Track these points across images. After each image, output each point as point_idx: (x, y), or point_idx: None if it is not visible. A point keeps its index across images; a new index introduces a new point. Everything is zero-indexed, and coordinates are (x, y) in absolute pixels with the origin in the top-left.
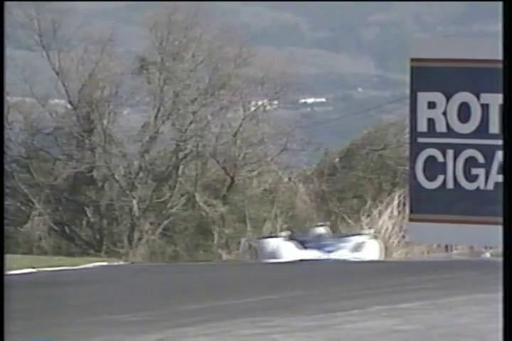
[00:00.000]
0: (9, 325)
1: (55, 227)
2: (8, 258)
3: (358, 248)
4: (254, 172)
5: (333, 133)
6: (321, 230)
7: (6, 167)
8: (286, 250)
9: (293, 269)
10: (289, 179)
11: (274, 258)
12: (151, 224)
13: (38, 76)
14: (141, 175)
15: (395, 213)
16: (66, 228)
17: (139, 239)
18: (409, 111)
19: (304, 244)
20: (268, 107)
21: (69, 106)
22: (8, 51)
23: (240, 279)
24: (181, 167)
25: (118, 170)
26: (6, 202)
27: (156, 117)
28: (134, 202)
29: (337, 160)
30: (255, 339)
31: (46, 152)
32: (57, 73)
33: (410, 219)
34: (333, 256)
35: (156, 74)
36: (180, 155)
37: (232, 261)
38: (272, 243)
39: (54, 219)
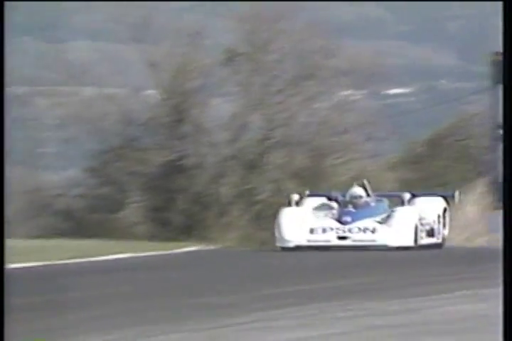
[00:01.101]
0: (108, 308)
1: (149, 214)
2: (104, 243)
3: (386, 219)
4: (340, 161)
5: (417, 123)
6: (358, 191)
7: (103, 156)
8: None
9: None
10: (374, 167)
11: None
12: (240, 210)
13: (131, 68)
14: (230, 163)
15: (479, 202)
16: (159, 214)
17: (229, 224)
18: (491, 102)
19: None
20: (354, 97)
21: (160, 97)
22: (102, 45)
23: (325, 264)
24: (269, 155)
25: (208, 159)
26: (102, 190)
27: (244, 107)
28: (223, 189)
29: (421, 149)
30: (345, 321)
31: (140, 142)
32: (149, 65)
33: (494, 208)
34: (348, 229)
35: (244, 65)
36: (268, 143)
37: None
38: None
39: (147, 206)
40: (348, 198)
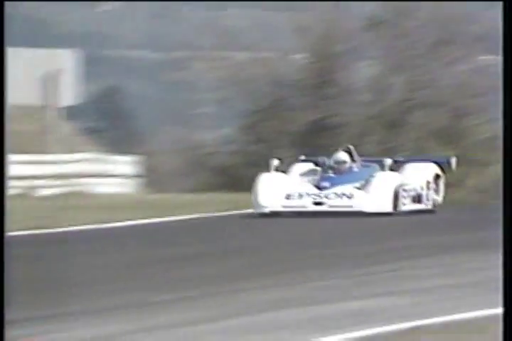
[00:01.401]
0: (264, 255)
1: None
2: (248, 197)
3: (365, 185)
4: (477, 121)
5: None
6: (342, 156)
7: (254, 116)
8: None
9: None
10: None
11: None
12: None
13: (280, 34)
14: (372, 122)
15: None
16: None
17: None
18: None
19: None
20: (492, 62)
21: (307, 60)
22: (254, 12)
23: (455, 219)
24: (410, 115)
25: (352, 118)
26: (254, 147)
27: (386, 70)
28: (367, 146)
29: None
30: (476, 272)
31: (288, 102)
32: (297, 31)
33: None
34: (324, 195)
35: (387, 30)
36: (409, 104)
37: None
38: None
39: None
40: (332, 163)
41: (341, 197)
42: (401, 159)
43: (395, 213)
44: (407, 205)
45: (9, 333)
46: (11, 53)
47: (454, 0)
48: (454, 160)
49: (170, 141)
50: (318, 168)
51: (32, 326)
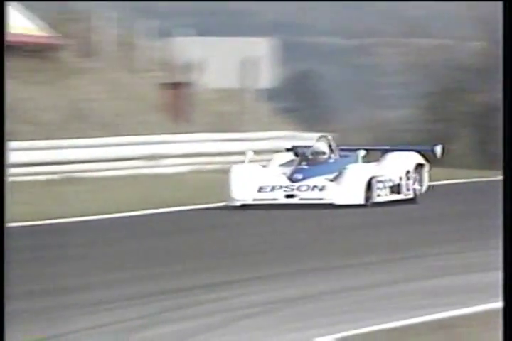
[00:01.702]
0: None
1: (475, 146)
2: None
3: (337, 177)
4: None
5: None
6: (320, 146)
7: (432, 97)
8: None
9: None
10: None
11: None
12: None
13: (459, 22)
14: None
15: None
16: (481, 147)
17: None
18: None
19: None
20: None
21: (484, 47)
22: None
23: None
24: None
25: None
26: (430, 126)
27: None
28: None
29: None
30: None
31: (465, 85)
32: (474, 19)
33: None
34: (296, 187)
35: None
36: None
37: None
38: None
39: (473, 139)
40: (309, 154)
41: (313, 190)
42: (386, 148)
43: (368, 205)
44: (382, 196)
45: (189, 298)
46: (214, 42)
47: (455, 0)
48: (439, 149)
49: (357, 120)
50: (297, 159)
51: (213, 292)
